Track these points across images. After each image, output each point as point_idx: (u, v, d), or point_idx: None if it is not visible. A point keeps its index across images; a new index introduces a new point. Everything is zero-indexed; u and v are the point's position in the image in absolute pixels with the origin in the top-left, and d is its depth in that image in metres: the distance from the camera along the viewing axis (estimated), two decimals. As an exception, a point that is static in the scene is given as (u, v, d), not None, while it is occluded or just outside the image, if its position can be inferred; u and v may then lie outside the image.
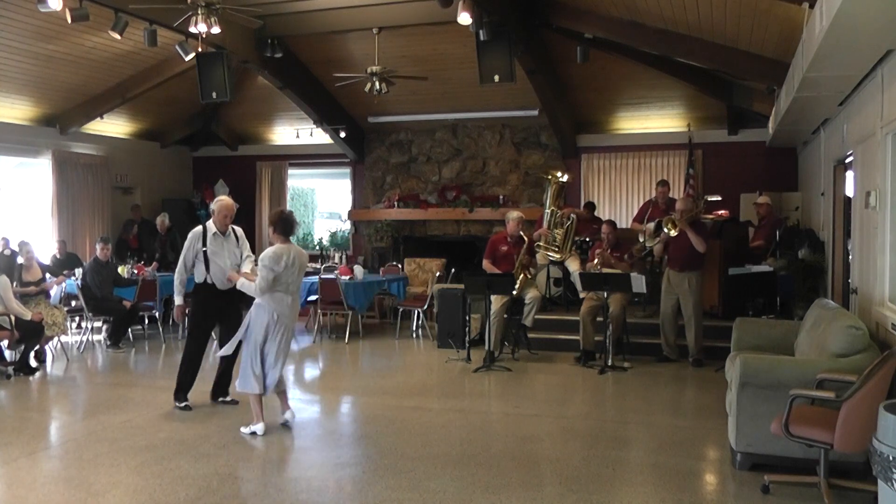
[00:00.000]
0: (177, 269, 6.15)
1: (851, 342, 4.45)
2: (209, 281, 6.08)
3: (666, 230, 7.81)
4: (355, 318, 9.65)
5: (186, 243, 6.12)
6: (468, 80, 9.68)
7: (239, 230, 6.34)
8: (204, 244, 6.04)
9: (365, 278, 9.89)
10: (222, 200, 6.22)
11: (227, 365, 6.27)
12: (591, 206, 10.37)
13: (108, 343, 9.00)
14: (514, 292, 8.05)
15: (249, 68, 10.64)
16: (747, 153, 10.87)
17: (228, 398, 6.32)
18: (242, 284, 5.64)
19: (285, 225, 5.46)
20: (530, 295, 8.13)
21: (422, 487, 4.31)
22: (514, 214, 8.43)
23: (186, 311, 6.45)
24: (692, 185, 10.60)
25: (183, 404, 6.14)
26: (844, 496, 4.10)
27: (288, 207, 13.45)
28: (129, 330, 9.21)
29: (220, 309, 6.20)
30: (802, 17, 5.67)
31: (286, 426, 5.59)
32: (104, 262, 9.02)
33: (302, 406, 6.24)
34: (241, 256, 6.19)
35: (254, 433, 5.37)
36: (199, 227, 6.15)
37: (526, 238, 8.41)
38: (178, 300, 6.21)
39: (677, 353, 7.95)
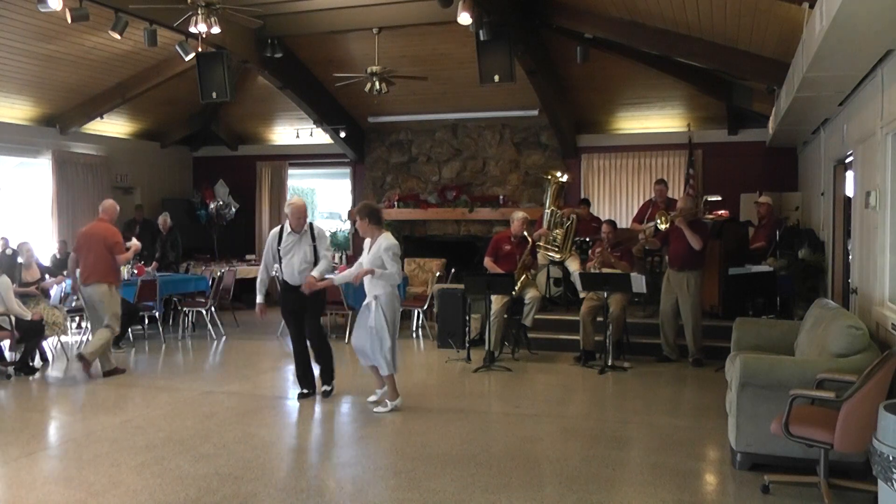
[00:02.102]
0: (259, 270, 6.59)
1: (851, 342, 4.45)
2: (281, 277, 6.52)
3: (658, 221, 7.84)
4: (355, 318, 9.63)
5: (266, 245, 6.51)
6: (468, 80, 9.68)
7: (318, 228, 6.54)
8: (279, 243, 6.39)
9: (365, 278, 9.87)
10: (294, 203, 6.43)
11: (307, 358, 6.57)
12: (586, 203, 10.37)
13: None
14: (514, 293, 8.05)
15: (249, 68, 10.65)
16: (747, 153, 10.87)
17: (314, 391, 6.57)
18: (372, 277, 5.93)
19: (378, 214, 6.07)
20: (530, 295, 8.13)
21: (422, 487, 4.30)
22: (519, 214, 8.41)
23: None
24: (692, 185, 10.61)
25: (300, 391, 6.50)
26: (844, 496, 4.10)
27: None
28: (129, 330, 9.20)
29: (295, 303, 6.37)
30: (802, 17, 5.68)
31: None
32: None
33: (302, 406, 6.23)
34: (319, 254, 6.39)
35: (395, 408, 5.98)
36: (278, 228, 6.51)
37: (530, 239, 8.41)
38: (258, 298, 6.47)
39: (677, 353, 7.95)
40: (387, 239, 5.94)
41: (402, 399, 6.05)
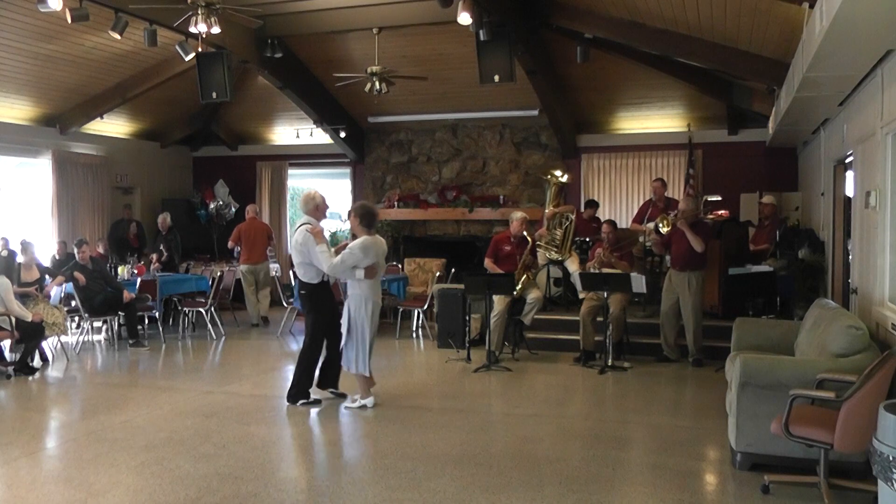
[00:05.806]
0: (340, 264, 5.94)
1: (851, 342, 4.45)
2: (325, 278, 6.29)
3: (660, 225, 7.84)
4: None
5: (324, 244, 6.05)
6: (468, 80, 9.68)
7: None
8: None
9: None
10: (319, 193, 6.32)
11: (333, 355, 6.40)
12: (593, 205, 10.28)
13: (130, 342, 9.01)
14: (516, 293, 8.05)
15: (249, 68, 10.65)
16: (747, 153, 10.87)
17: (338, 390, 6.51)
18: (322, 252, 5.95)
19: (370, 217, 6.06)
20: (533, 296, 8.13)
21: (422, 487, 4.31)
22: (517, 214, 8.41)
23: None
24: (692, 185, 10.60)
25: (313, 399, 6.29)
26: (844, 496, 4.10)
27: (288, 207, 13.51)
28: (141, 328, 9.25)
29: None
30: (802, 17, 5.67)
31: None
32: (83, 265, 8.97)
33: (303, 406, 6.23)
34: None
35: (364, 406, 6.08)
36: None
37: (530, 239, 8.40)
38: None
39: (677, 353, 7.95)
40: (361, 240, 5.95)
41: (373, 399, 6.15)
